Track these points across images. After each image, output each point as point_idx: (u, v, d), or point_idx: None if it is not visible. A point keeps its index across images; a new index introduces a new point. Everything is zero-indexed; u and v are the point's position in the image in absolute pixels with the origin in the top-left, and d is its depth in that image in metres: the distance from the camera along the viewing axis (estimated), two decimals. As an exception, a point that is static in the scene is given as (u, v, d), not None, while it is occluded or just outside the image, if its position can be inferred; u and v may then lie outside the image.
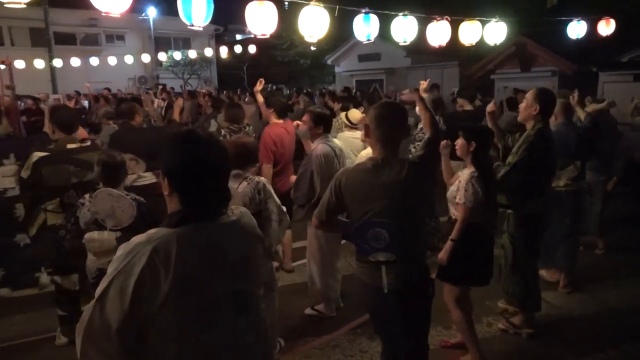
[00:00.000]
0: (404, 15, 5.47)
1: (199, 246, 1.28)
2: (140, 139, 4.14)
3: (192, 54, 19.69)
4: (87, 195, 2.78)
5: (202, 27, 4.12)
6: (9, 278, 4.33)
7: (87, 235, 2.65)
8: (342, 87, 16.43)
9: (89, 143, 3.63)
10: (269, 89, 20.26)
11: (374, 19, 5.24)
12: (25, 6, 3.35)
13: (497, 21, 6.08)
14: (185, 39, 27.56)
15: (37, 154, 3.26)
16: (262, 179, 2.89)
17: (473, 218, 2.80)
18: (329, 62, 20.76)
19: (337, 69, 20.60)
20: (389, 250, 2.07)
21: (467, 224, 2.80)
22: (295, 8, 4.90)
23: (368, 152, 3.15)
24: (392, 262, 2.08)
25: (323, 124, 3.72)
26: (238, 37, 35.09)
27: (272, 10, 4.31)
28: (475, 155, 2.90)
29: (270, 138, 4.30)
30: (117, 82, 20.49)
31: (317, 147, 3.67)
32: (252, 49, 18.13)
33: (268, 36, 4.44)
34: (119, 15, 3.72)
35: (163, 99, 12.36)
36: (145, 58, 18.44)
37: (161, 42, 25.86)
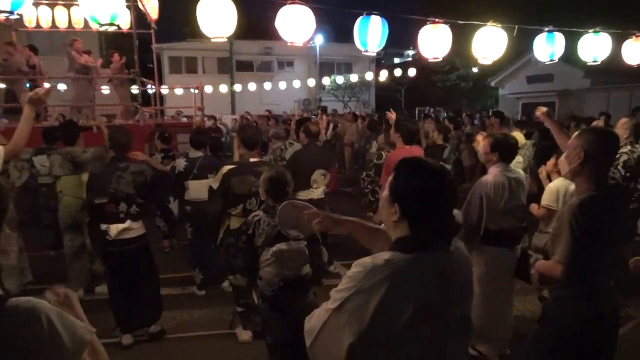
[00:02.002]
0: (595, 32, 4.90)
1: (436, 273, 1.31)
2: (322, 155, 4.56)
3: (354, 77, 20.49)
4: (260, 211, 2.92)
5: (376, 53, 4.24)
6: (208, 282, 4.88)
7: (276, 247, 2.77)
8: (505, 110, 15.44)
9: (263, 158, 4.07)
10: (426, 111, 20.01)
11: (558, 37, 4.79)
12: (225, 39, 3.83)
13: None
14: (347, 64, 28.83)
15: (227, 167, 3.70)
16: None
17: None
18: (492, 84, 19.74)
19: (501, 91, 19.48)
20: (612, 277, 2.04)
21: None
22: (465, 30, 4.76)
23: (560, 184, 2.86)
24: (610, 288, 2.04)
25: (499, 151, 3.41)
26: (396, 60, 35.59)
27: (447, 34, 4.24)
28: None
29: (393, 162, 4.11)
30: (284, 105, 22.33)
31: (489, 174, 3.43)
32: (411, 72, 18.18)
33: (440, 59, 4.37)
34: (301, 45, 4.02)
35: (328, 122, 13.05)
36: (311, 82, 19.78)
37: (325, 67, 27.41)
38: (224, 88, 19.23)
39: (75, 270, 4.82)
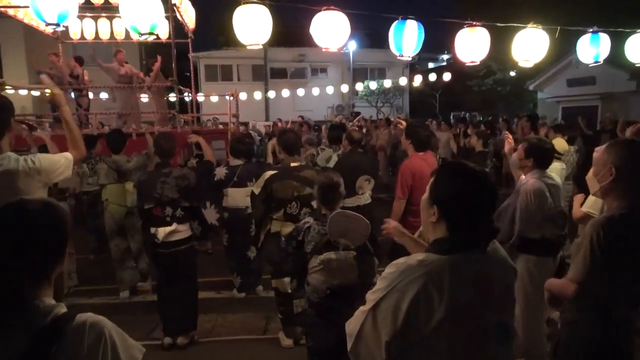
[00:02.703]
0: (643, 32, 4.69)
1: (471, 276, 1.31)
2: (366, 162, 4.71)
3: (387, 83, 20.36)
4: (311, 219, 2.94)
5: (411, 57, 4.19)
6: (245, 286, 4.97)
7: (324, 256, 2.76)
8: (543, 114, 14.98)
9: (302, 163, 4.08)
10: (461, 116, 19.65)
11: (603, 39, 4.61)
12: (261, 46, 3.87)
13: None
14: (380, 69, 28.72)
15: (269, 172, 3.74)
16: None
17: None
18: (531, 87, 19.21)
19: (540, 95, 18.93)
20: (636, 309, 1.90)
21: None
22: (503, 33, 4.64)
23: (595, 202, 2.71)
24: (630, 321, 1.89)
25: (534, 157, 3.27)
26: (430, 64, 35.16)
27: (484, 37, 4.15)
28: None
29: (408, 170, 3.90)
30: (317, 111, 22.41)
31: (527, 181, 3.30)
32: (446, 76, 17.90)
33: (478, 63, 4.28)
34: (336, 51, 4.01)
35: (359, 127, 12.99)
36: (344, 88, 19.76)
37: (359, 73, 27.37)
38: (258, 95, 19.47)
39: (123, 272, 4.99)
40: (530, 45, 4.35)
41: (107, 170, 4.86)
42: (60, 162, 2.54)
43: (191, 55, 10.09)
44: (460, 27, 4.30)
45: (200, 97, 15.36)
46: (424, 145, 4.05)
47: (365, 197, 4.78)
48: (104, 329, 1.26)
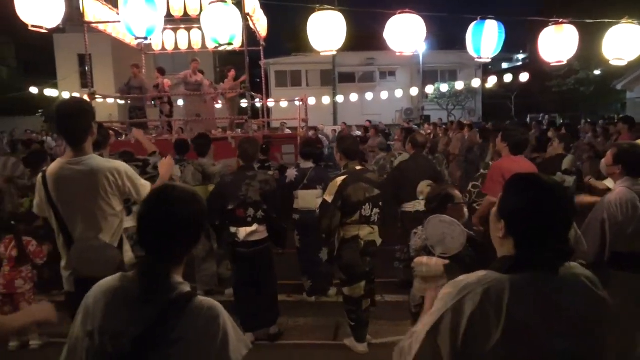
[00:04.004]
0: None
1: (533, 296, 1.22)
2: (429, 167, 4.67)
3: (459, 85, 19.74)
4: (420, 227, 2.91)
5: (490, 59, 4.01)
6: (316, 289, 5.00)
7: (416, 260, 2.76)
8: (635, 115, 13.77)
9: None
10: (539, 119, 18.61)
11: None
12: (335, 52, 3.88)
13: None
14: (451, 71, 27.90)
15: (339, 179, 3.76)
16: None
17: None
18: (618, 87, 17.79)
19: (629, 95, 17.47)
20: None
21: None
22: (588, 29, 4.31)
23: None
24: None
25: (624, 163, 2.95)
26: (504, 65, 33.65)
27: (572, 35, 3.87)
28: None
29: (498, 170, 3.86)
30: (386, 114, 22.19)
31: (614, 190, 3.01)
32: (523, 77, 17.04)
33: (565, 62, 4.00)
34: (410, 54, 3.93)
35: (430, 131, 12.70)
36: (414, 91, 19.42)
37: (428, 75, 26.75)
38: (326, 100, 19.64)
39: (203, 272, 5.16)
40: (624, 42, 4.01)
41: (193, 172, 5.11)
42: (139, 192, 2.64)
43: (262, 62, 10.37)
44: (542, 25, 4.05)
45: (271, 103, 15.77)
46: (520, 148, 4.01)
47: (423, 203, 4.69)
48: (220, 315, 1.37)
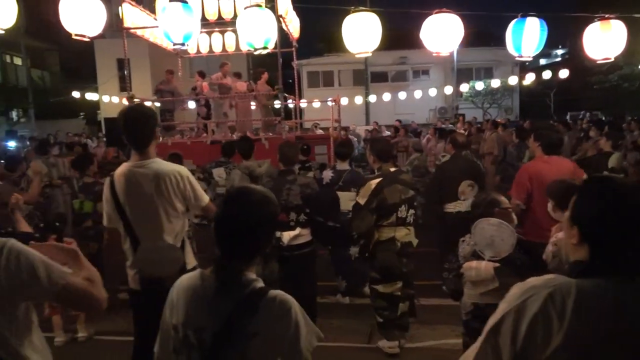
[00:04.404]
0: None
1: (602, 304, 1.15)
2: (469, 166, 4.64)
3: (495, 83, 19.25)
4: (467, 235, 2.86)
5: (532, 57, 3.87)
6: (351, 288, 5.01)
7: (466, 264, 2.71)
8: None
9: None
10: (580, 117, 17.95)
11: None
12: (370, 54, 3.83)
13: None
14: (487, 69, 27.25)
15: (374, 181, 3.75)
16: None
17: None
18: (667, 82, 16.93)
19: (679, 91, 16.60)
20: None
21: None
22: (633, 24, 4.10)
23: None
24: None
25: None
26: (542, 61, 32.63)
27: (621, 31, 3.69)
28: None
29: (525, 174, 3.73)
30: (419, 114, 21.88)
31: None
32: (563, 73, 16.43)
33: (612, 59, 3.82)
34: (447, 54, 3.84)
35: (465, 130, 12.45)
36: (448, 90, 19.06)
37: (463, 73, 26.19)
38: (359, 99, 19.51)
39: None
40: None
41: (240, 175, 5.17)
42: (197, 199, 2.71)
43: (295, 63, 10.40)
44: (583, 19, 3.88)
45: (303, 104, 15.80)
46: (553, 148, 3.85)
47: (467, 204, 4.60)
48: (292, 307, 1.45)
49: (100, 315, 4.29)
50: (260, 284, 1.49)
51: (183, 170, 2.68)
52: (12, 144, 15.36)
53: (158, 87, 9.55)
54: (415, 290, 4.31)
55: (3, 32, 4.08)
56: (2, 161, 7.54)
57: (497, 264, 2.62)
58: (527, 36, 3.70)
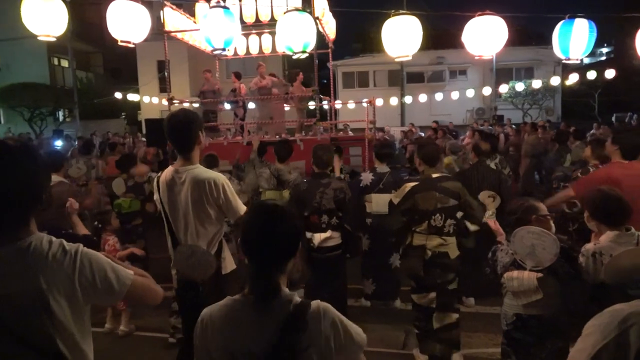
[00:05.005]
0: None
1: None
2: (490, 176, 4.50)
3: (536, 83, 18.64)
4: (505, 241, 2.79)
5: (580, 60, 3.72)
6: (379, 293, 4.97)
7: (507, 274, 2.64)
8: None
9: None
10: (626, 119, 17.20)
11: None
12: (410, 57, 3.78)
13: None
14: (527, 69, 26.46)
15: (410, 184, 3.70)
16: None
17: None
18: None
19: None
20: None
21: None
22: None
23: None
24: None
25: None
26: (586, 60, 31.42)
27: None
28: None
29: (606, 176, 3.48)
30: (456, 115, 21.47)
31: None
32: (609, 73, 15.74)
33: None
34: (491, 57, 3.74)
35: (503, 132, 12.13)
36: (486, 91, 18.60)
37: (502, 74, 25.52)
38: (394, 100, 19.31)
39: None
40: None
41: (268, 176, 5.22)
42: (230, 209, 2.74)
43: (330, 64, 10.40)
44: (633, 19, 3.69)
45: (338, 105, 15.78)
46: (634, 152, 3.64)
47: (486, 215, 4.41)
48: (335, 316, 1.43)
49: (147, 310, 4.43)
50: (297, 297, 1.46)
51: (219, 178, 2.70)
52: (59, 143, 15.98)
53: (202, 90, 9.74)
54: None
55: (55, 38, 4.26)
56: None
57: (540, 274, 2.52)
58: (575, 38, 3.55)
